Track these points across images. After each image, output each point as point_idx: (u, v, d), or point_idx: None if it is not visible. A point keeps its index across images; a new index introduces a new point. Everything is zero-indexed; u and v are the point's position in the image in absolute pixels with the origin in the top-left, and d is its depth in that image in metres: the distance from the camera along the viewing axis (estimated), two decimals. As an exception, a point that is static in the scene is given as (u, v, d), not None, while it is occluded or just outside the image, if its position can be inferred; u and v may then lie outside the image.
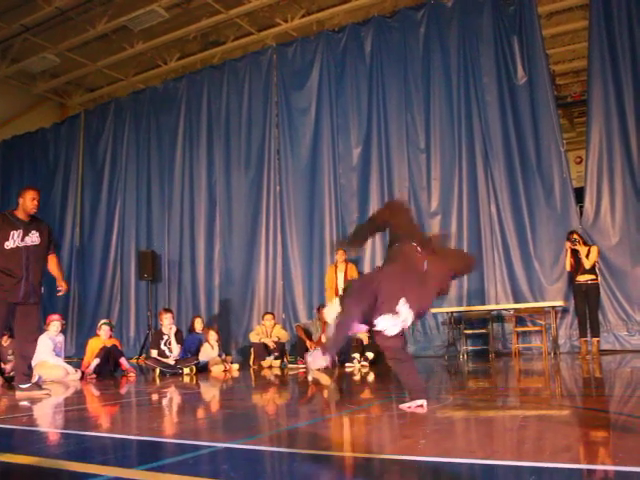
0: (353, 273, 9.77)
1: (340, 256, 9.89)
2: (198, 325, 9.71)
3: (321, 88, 11.41)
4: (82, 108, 15.95)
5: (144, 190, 13.36)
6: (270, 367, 9.22)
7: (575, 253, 8.44)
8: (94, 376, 8.38)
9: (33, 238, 5.81)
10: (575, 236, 8.48)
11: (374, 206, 10.60)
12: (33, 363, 8.26)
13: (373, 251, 10.44)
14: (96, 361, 8.46)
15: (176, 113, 13.10)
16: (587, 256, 8.36)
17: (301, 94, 11.63)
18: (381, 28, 10.90)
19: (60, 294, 6.22)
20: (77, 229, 14.34)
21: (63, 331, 8.89)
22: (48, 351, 8.15)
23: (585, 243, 8.53)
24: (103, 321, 9.23)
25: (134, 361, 11.00)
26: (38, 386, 5.92)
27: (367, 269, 10.45)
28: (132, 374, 8.44)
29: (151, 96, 13.69)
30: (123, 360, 8.70)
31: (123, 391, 6.74)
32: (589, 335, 8.30)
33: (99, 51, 14.45)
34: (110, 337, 8.99)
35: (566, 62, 14.64)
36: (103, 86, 16.56)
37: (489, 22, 9.98)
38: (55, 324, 8.46)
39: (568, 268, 8.61)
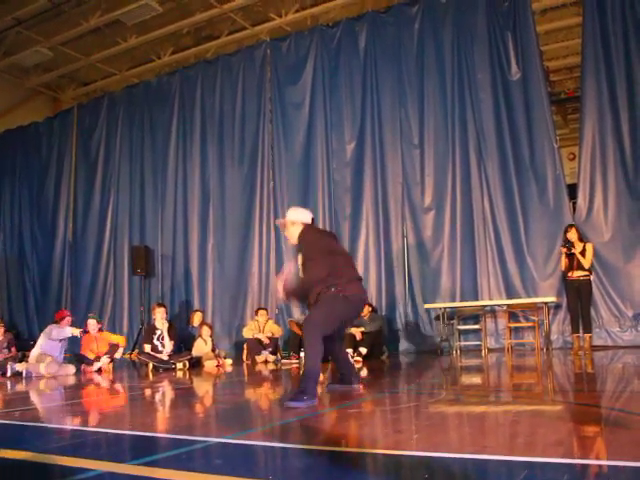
0: None
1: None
2: (196, 319, 9.72)
3: (315, 83, 11.38)
4: (75, 102, 15.89)
5: (137, 185, 13.32)
6: (265, 362, 9.23)
7: (570, 254, 8.46)
8: (91, 370, 8.48)
9: None
10: (571, 238, 8.48)
11: (367, 202, 10.62)
12: (31, 355, 8.47)
13: (377, 248, 10.51)
14: (105, 359, 8.57)
15: (170, 108, 13.05)
16: (582, 254, 8.39)
17: (295, 89, 11.60)
18: (375, 23, 10.88)
19: None
20: (70, 224, 14.29)
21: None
22: (48, 344, 8.33)
23: (581, 239, 8.54)
24: (89, 315, 9.23)
25: (127, 356, 10.99)
26: None
27: (372, 267, 10.46)
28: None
29: (145, 91, 13.64)
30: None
31: (116, 386, 6.73)
32: (581, 331, 8.34)
33: (92, 45, 14.38)
34: (100, 330, 9.02)
35: (560, 58, 14.66)
36: (96, 80, 16.48)
37: (483, 18, 9.97)
38: (68, 320, 8.72)
39: (563, 268, 8.64)
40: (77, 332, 8.50)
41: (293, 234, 4.63)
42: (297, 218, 4.67)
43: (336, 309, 4.33)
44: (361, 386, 4.78)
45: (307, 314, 4.45)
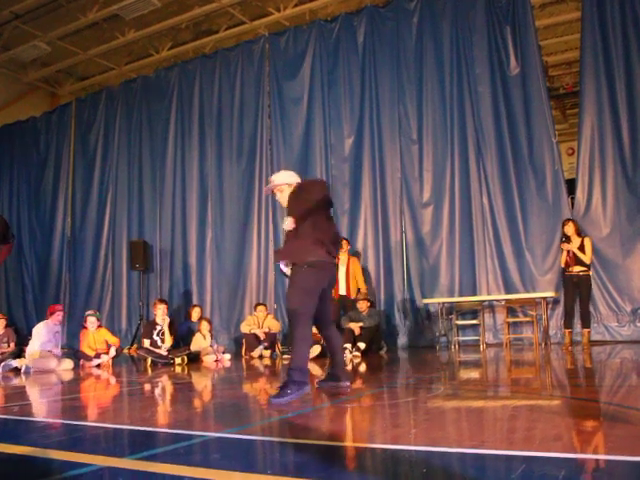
0: (356, 267, 9.62)
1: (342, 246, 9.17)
2: (195, 314, 9.72)
3: (313, 78, 11.36)
4: (73, 97, 15.83)
5: (136, 179, 13.30)
6: (260, 357, 9.23)
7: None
8: (91, 365, 8.49)
9: None
10: (567, 232, 8.46)
11: (366, 197, 10.62)
12: (27, 352, 8.41)
13: (376, 243, 10.51)
14: (105, 357, 8.60)
15: (168, 102, 13.03)
16: (581, 249, 8.37)
17: (293, 84, 11.58)
18: (374, 18, 10.86)
19: None
20: (68, 219, 14.27)
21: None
22: (42, 340, 8.28)
23: (579, 233, 8.53)
24: (88, 312, 9.17)
25: (126, 351, 10.99)
26: None
27: (370, 263, 10.46)
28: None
29: (143, 85, 13.60)
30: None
31: (115, 381, 6.73)
32: (580, 326, 8.33)
33: (90, 39, 14.33)
34: (99, 327, 9.00)
35: (559, 53, 14.62)
36: (94, 75, 16.42)
37: (482, 12, 9.95)
38: (59, 314, 8.62)
39: (563, 264, 8.61)
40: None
41: (286, 197, 4.59)
42: (291, 180, 4.64)
43: (308, 283, 4.21)
44: (349, 383, 4.63)
45: (286, 302, 4.52)
